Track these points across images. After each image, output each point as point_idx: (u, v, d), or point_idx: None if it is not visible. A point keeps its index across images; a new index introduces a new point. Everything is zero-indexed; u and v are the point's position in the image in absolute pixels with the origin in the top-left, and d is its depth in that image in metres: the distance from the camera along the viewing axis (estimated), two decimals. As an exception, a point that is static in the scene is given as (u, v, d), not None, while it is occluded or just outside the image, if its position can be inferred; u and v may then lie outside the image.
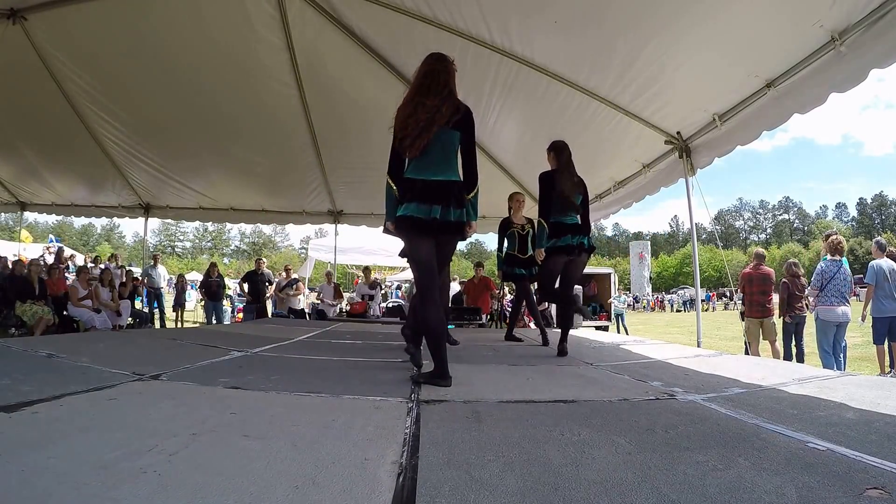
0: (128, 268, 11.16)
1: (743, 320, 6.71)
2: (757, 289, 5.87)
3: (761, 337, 5.89)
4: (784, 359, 5.54)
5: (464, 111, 2.34)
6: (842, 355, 5.22)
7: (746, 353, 6.01)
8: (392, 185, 2.33)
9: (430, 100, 2.27)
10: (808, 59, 3.46)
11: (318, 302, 9.24)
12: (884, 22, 2.90)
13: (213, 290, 9.46)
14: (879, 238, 5.77)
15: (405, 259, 2.57)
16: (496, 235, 4.74)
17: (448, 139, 2.31)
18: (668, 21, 3.78)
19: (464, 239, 2.43)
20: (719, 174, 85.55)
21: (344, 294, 10.07)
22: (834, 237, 5.48)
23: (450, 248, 2.43)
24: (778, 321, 5.88)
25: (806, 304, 6.08)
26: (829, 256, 5.33)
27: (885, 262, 5.23)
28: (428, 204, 2.20)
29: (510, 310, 5.61)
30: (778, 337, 5.83)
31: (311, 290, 13.76)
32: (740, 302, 6.84)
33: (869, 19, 2.98)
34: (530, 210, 4.88)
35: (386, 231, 2.42)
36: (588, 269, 9.79)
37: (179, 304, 10.66)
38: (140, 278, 9.73)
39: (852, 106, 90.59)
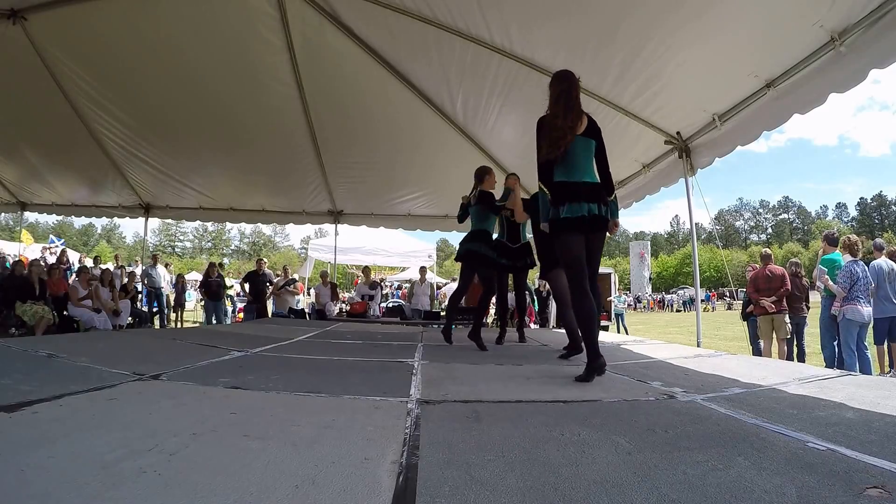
0: (128, 268, 11.15)
1: (744, 320, 6.73)
2: (763, 286, 5.88)
3: (774, 335, 5.88)
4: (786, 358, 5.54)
5: (593, 121, 2.66)
6: (867, 353, 5.17)
7: (759, 353, 6.01)
8: (545, 190, 2.57)
9: (569, 116, 2.56)
10: (808, 59, 3.46)
11: (314, 304, 9.18)
12: (883, 22, 2.91)
13: (213, 290, 9.46)
14: (877, 239, 5.78)
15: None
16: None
17: (585, 146, 2.60)
18: (667, 21, 3.78)
19: (611, 234, 2.74)
20: (718, 174, 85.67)
21: (339, 294, 9.88)
22: (850, 237, 5.47)
23: (599, 242, 2.68)
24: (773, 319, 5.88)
25: (806, 305, 6.08)
26: (848, 256, 5.30)
27: (885, 263, 5.22)
28: (581, 203, 2.48)
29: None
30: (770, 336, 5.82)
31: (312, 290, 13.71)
32: (746, 301, 6.85)
33: (869, 19, 2.98)
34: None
35: (541, 231, 2.70)
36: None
37: (179, 305, 10.67)
38: (140, 279, 9.73)
39: (848, 107, 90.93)
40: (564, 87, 2.62)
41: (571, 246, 2.53)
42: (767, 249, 6.52)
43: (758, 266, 6.46)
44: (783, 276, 5.87)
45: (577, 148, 2.55)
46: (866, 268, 5.16)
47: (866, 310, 5.05)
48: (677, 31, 3.85)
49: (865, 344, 5.16)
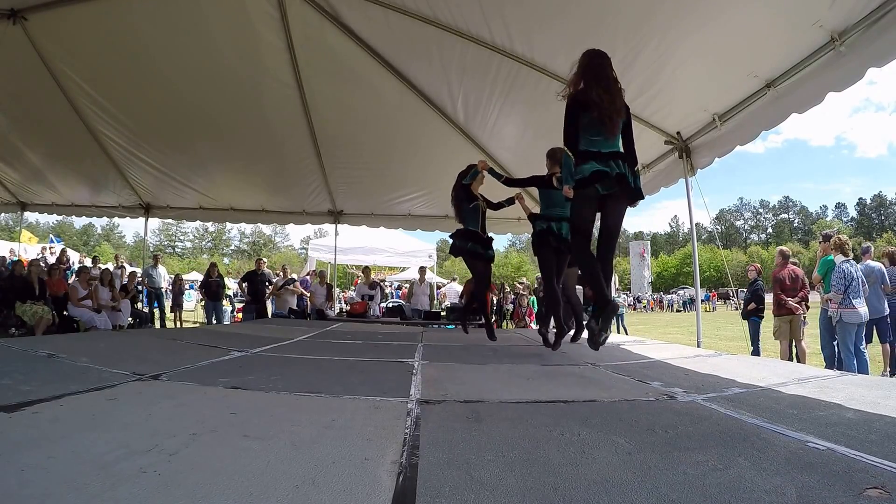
0: (129, 269, 11.14)
1: (745, 319, 6.73)
2: (788, 286, 5.86)
3: (791, 336, 5.85)
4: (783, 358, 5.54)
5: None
6: (865, 354, 5.16)
7: (758, 353, 6.00)
8: (569, 154, 2.53)
9: (609, 89, 2.53)
10: (808, 60, 3.47)
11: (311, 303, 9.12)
12: (883, 22, 2.91)
13: (213, 290, 9.45)
14: (865, 243, 5.82)
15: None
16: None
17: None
18: (667, 21, 3.78)
19: (633, 206, 2.68)
20: (718, 174, 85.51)
21: (335, 297, 9.78)
22: (840, 237, 5.45)
23: (618, 214, 2.59)
24: (774, 320, 5.88)
25: (805, 305, 6.07)
26: (840, 257, 5.28)
27: (866, 265, 5.23)
28: (607, 162, 2.43)
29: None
30: (776, 337, 5.81)
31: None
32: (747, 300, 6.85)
33: (869, 19, 2.98)
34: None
35: (565, 195, 2.63)
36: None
37: (178, 305, 10.66)
38: (141, 279, 9.72)
39: (844, 108, 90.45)
40: (585, 60, 2.60)
41: (585, 208, 2.52)
42: (786, 248, 6.47)
43: (757, 264, 6.47)
44: (803, 277, 5.86)
45: None
46: (859, 266, 5.16)
47: (863, 309, 5.05)
48: (677, 31, 3.85)
49: (863, 345, 5.16)
